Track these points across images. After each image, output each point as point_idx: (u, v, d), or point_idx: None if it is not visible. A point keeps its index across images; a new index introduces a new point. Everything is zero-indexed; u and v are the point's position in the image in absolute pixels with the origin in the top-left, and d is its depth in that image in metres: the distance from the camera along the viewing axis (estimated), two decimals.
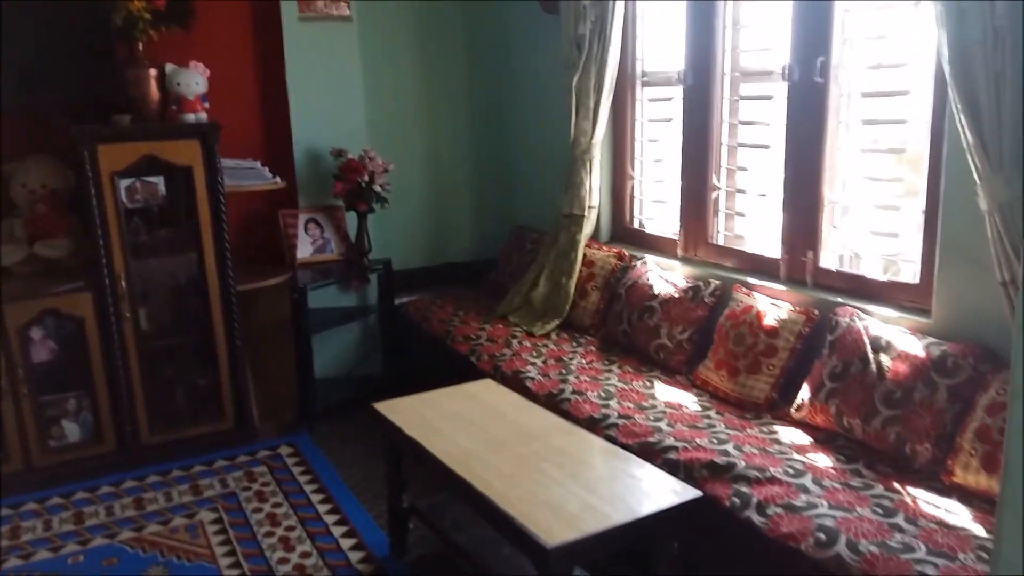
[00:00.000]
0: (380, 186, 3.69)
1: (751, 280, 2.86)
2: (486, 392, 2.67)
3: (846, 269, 2.66)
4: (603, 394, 2.72)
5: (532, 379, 2.91)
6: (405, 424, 2.42)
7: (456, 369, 3.29)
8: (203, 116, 3.28)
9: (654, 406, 2.62)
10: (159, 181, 3.25)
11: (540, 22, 3.68)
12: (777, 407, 2.53)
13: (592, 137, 3.37)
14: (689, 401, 2.66)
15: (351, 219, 3.82)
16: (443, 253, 4.32)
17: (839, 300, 2.55)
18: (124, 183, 3.16)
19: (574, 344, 3.26)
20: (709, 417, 2.52)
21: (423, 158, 4.19)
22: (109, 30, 3.17)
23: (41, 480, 3.14)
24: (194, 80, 3.28)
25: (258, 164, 3.52)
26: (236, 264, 3.38)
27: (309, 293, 3.59)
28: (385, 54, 3.97)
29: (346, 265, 3.81)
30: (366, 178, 3.64)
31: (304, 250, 3.76)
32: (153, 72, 3.25)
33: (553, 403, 2.71)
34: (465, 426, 2.39)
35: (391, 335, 3.99)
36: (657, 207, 3.50)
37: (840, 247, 2.68)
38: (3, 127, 3.26)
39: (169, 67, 3.28)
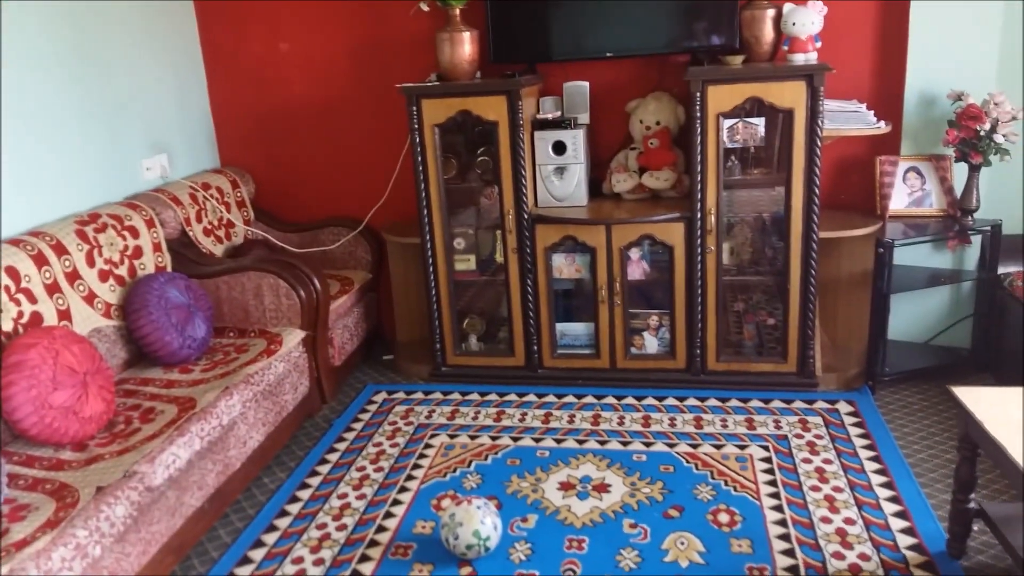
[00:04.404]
0: (1003, 136, 3.18)
1: None
2: None
3: None
4: None
5: None
6: (988, 419, 2.11)
7: None
8: (813, 56, 3.21)
9: None
10: (759, 122, 3.31)
11: None
12: None
13: None
14: None
15: (959, 171, 3.39)
16: None
17: None
18: (727, 123, 3.30)
19: None
20: None
21: None
22: None
23: (621, 380, 3.61)
24: (810, 19, 3.21)
25: (863, 107, 3.32)
26: (822, 209, 3.29)
27: (896, 249, 3.32)
28: None
29: (945, 222, 3.42)
30: (987, 126, 3.17)
31: (899, 201, 3.48)
32: (771, 13, 3.28)
33: None
34: None
35: (986, 308, 3.49)
36: None
37: None
38: (632, 70, 3.69)
39: (787, 7, 3.25)
